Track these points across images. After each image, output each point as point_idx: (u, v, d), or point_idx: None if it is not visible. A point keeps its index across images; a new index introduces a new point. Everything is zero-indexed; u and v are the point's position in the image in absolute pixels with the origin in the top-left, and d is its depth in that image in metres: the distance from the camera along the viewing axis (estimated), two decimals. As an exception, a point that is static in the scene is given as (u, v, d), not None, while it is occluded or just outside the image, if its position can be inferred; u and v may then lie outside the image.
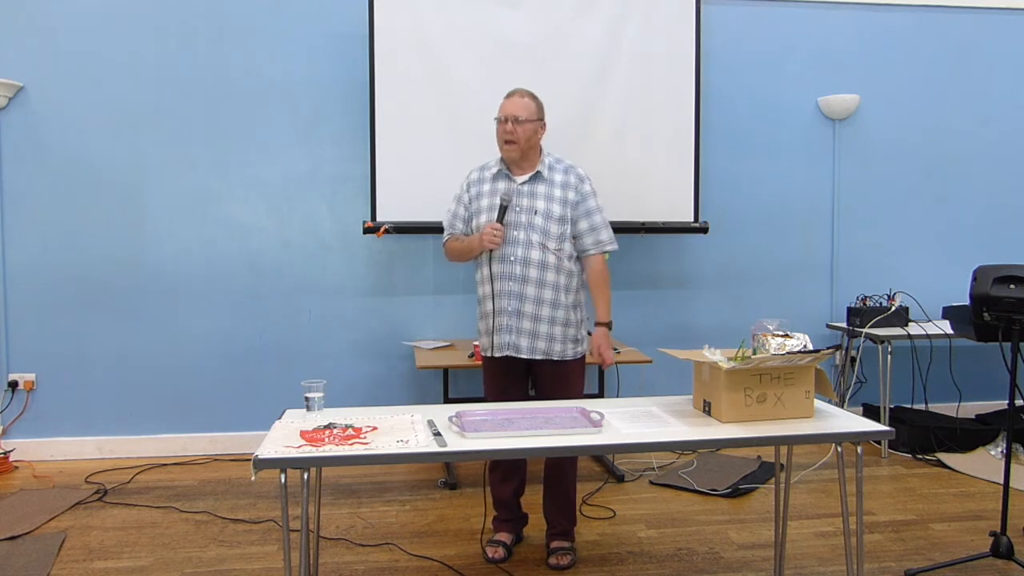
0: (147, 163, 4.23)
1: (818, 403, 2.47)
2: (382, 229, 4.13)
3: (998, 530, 2.80)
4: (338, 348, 4.41)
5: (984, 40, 4.81)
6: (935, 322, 4.40)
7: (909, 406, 4.53)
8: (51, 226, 4.18)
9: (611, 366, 3.10)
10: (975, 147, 4.85)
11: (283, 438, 2.17)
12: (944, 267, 4.80)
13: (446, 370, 4.02)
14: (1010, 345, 2.74)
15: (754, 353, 2.41)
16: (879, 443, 4.33)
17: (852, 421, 2.39)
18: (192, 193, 4.28)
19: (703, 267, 4.68)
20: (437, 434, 2.22)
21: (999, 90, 4.85)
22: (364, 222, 4.19)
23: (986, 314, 2.76)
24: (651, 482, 3.83)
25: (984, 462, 4.10)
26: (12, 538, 3.14)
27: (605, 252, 2.99)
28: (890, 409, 4.33)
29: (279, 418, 2.41)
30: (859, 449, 2.28)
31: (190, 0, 4.20)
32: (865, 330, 4.32)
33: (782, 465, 2.72)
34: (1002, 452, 4.17)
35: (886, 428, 2.36)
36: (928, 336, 4.25)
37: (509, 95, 2.90)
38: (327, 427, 2.26)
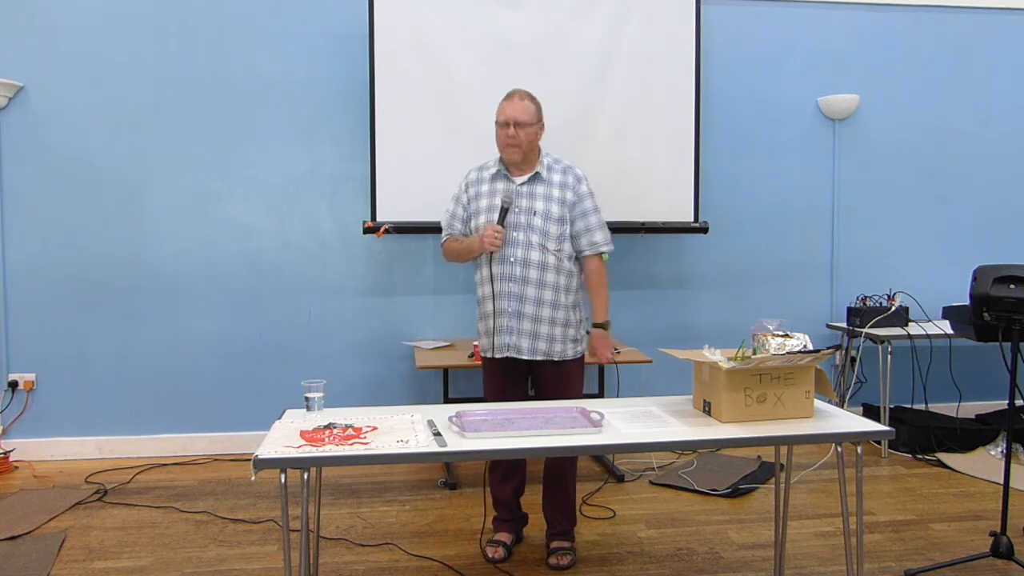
0: (147, 163, 4.23)
1: (818, 403, 2.47)
2: (382, 229, 4.14)
3: (998, 530, 2.80)
4: (338, 348, 4.41)
5: (984, 40, 4.81)
6: (935, 322, 4.40)
7: (909, 406, 4.53)
8: (51, 226, 4.18)
9: (610, 363, 3.10)
10: (975, 147, 4.85)
11: (283, 438, 2.17)
12: (944, 267, 4.80)
13: (446, 370, 4.02)
14: (1010, 345, 2.73)
15: (754, 353, 2.41)
16: (879, 443, 4.33)
17: (852, 421, 2.39)
18: (192, 193, 4.28)
19: (703, 267, 4.68)
20: (437, 434, 2.22)
21: (999, 90, 4.85)
22: (364, 222, 4.19)
23: (986, 314, 2.76)
24: (651, 482, 3.83)
25: (984, 462, 4.10)
26: (12, 538, 3.14)
27: (601, 253, 2.98)
28: (890, 409, 4.33)
29: (279, 418, 2.41)
30: (859, 449, 2.28)
31: (190, 0, 4.20)
32: (865, 330, 4.32)
33: (782, 465, 2.72)
34: (1002, 452, 4.17)
35: (886, 428, 2.36)
36: (928, 336, 4.25)
37: (508, 97, 2.89)
38: (327, 427, 2.26)
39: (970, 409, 4.67)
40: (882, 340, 4.24)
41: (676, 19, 4.32)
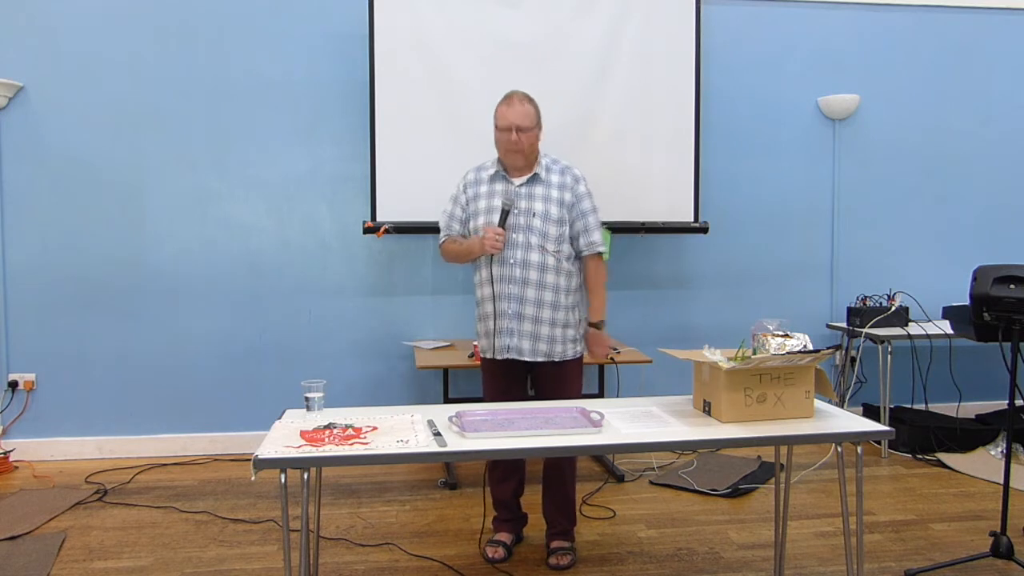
0: (147, 163, 4.23)
1: (818, 403, 2.47)
2: (382, 229, 4.14)
3: (998, 530, 2.80)
4: (338, 348, 4.41)
5: (984, 40, 4.81)
6: (935, 322, 4.40)
7: (909, 406, 4.54)
8: (51, 226, 4.18)
9: (606, 362, 3.10)
10: (975, 147, 4.85)
11: (283, 438, 2.17)
12: (944, 267, 4.80)
13: (446, 370, 4.02)
14: (1010, 345, 2.73)
15: (754, 353, 2.41)
16: (879, 443, 4.33)
17: (852, 421, 2.39)
18: (192, 193, 4.28)
19: (703, 267, 4.68)
20: (437, 434, 2.22)
21: (999, 90, 4.85)
22: (364, 222, 4.19)
23: (986, 314, 2.76)
24: (651, 482, 3.83)
25: (984, 462, 4.10)
26: (12, 538, 3.14)
27: (600, 253, 2.99)
28: (890, 409, 4.33)
29: (279, 418, 2.41)
30: (859, 449, 2.28)
31: (190, 0, 4.20)
32: (865, 330, 4.32)
33: (782, 465, 2.72)
34: (1002, 452, 4.17)
35: (886, 428, 2.36)
36: (928, 336, 4.25)
37: (507, 101, 2.85)
38: (327, 427, 2.26)
39: (970, 409, 4.67)
40: (882, 340, 4.24)
41: (676, 19, 4.32)
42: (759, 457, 4.12)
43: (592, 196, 2.96)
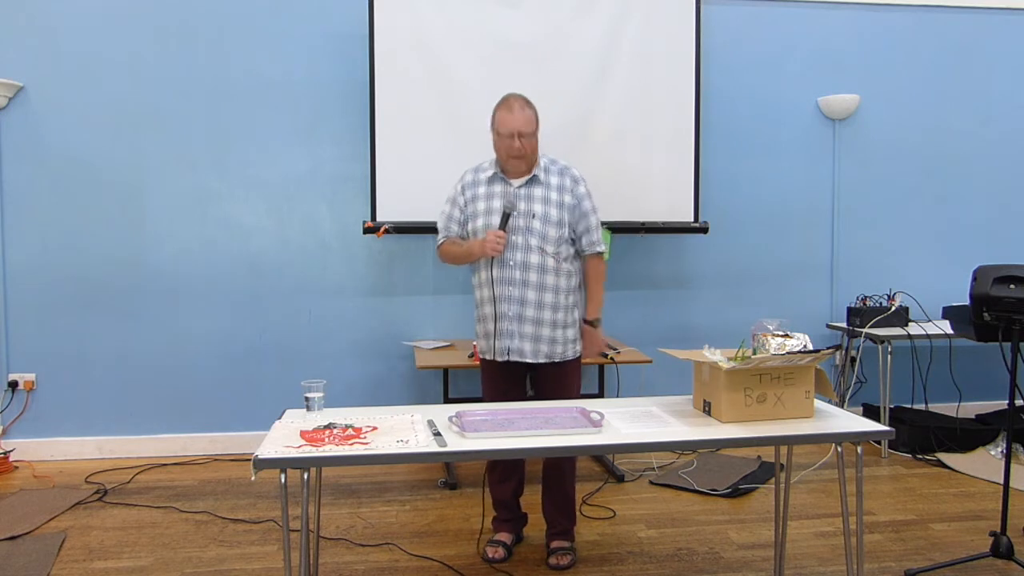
0: (147, 163, 4.23)
1: (818, 403, 2.47)
2: (382, 229, 4.14)
3: (998, 530, 2.80)
4: (338, 348, 4.41)
5: (984, 40, 4.81)
6: (935, 322, 4.40)
7: (909, 406, 4.54)
8: (51, 226, 4.18)
9: (599, 361, 3.10)
10: (975, 147, 4.85)
11: (283, 438, 2.17)
12: (944, 267, 4.80)
13: (446, 370, 4.03)
14: (1010, 345, 2.73)
15: (754, 353, 2.41)
16: (879, 443, 4.33)
17: (852, 421, 2.39)
18: (192, 193, 4.28)
19: (703, 267, 4.68)
20: (437, 434, 2.22)
21: (999, 90, 4.85)
22: (364, 222, 4.19)
23: (986, 314, 2.76)
24: (651, 482, 3.83)
25: (984, 462, 4.10)
26: (12, 538, 3.14)
27: (600, 252, 2.99)
28: (890, 409, 4.33)
29: (279, 418, 2.41)
30: (859, 449, 2.28)
31: (190, 0, 4.20)
32: (865, 330, 4.32)
33: (782, 465, 2.72)
34: (1002, 452, 4.17)
35: (886, 428, 2.36)
36: (928, 336, 4.25)
37: (507, 107, 2.81)
38: (327, 427, 2.26)
39: (970, 409, 4.67)
40: (882, 340, 4.24)
41: (676, 19, 4.32)
42: (759, 457, 4.12)
43: (592, 196, 2.96)
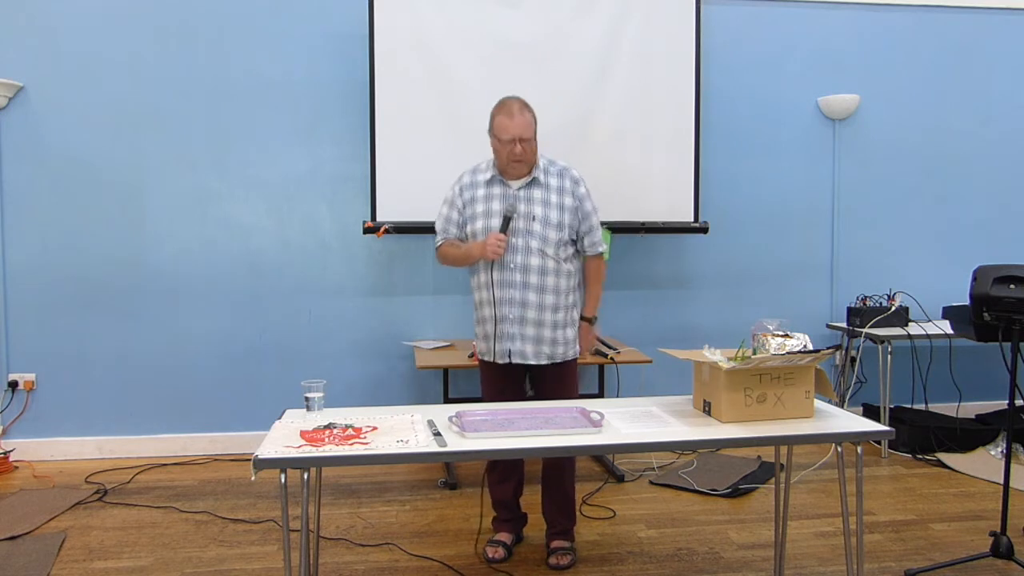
0: (147, 163, 4.23)
1: (818, 403, 2.47)
2: (382, 229, 4.14)
3: (998, 530, 2.80)
4: (338, 348, 4.41)
5: (984, 40, 4.81)
6: (935, 322, 4.40)
7: (909, 406, 4.54)
8: (51, 226, 4.18)
9: (589, 352, 3.10)
10: (975, 147, 4.85)
11: (283, 438, 2.17)
12: (944, 267, 4.80)
13: (446, 370, 4.03)
14: (1010, 345, 2.73)
15: (754, 353, 2.41)
16: (879, 443, 4.33)
17: (852, 421, 2.39)
18: (192, 193, 4.28)
19: (703, 267, 4.68)
20: (437, 434, 2.22)
21: (999, 90, 4.85)
22: (364, 222, 4.19)
23: (986, 314, 2.76)
24: (651, 482, 3.83)
25: (984, 462, 4.10)
26: (12, 538, 3.14)
27: (600, 252, 2.99)
28: (890, 409, 4.33)
29: (279, 418, 2.41)
30: (859, 449, 2.28)
31: (190, 0, 4.20)
32: (865, 330, 4.32)
33: (782, 465, 2.72)
34: (1002, 452, 4.17)
35: (886, 428, 2.36)
36: (928, 336, 4.25)
37: (507, 112, 2.78)
38: (327, 427, 2.26)
39: (970, 409, 4.67)
40: (882, 340, 4.24)
41: (676, 19, 4.32)
42: (759, 457, 4.12)
43: (591, 195, 2.95)
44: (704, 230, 4.46)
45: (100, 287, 4.23)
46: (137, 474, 4.01)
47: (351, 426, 2.27)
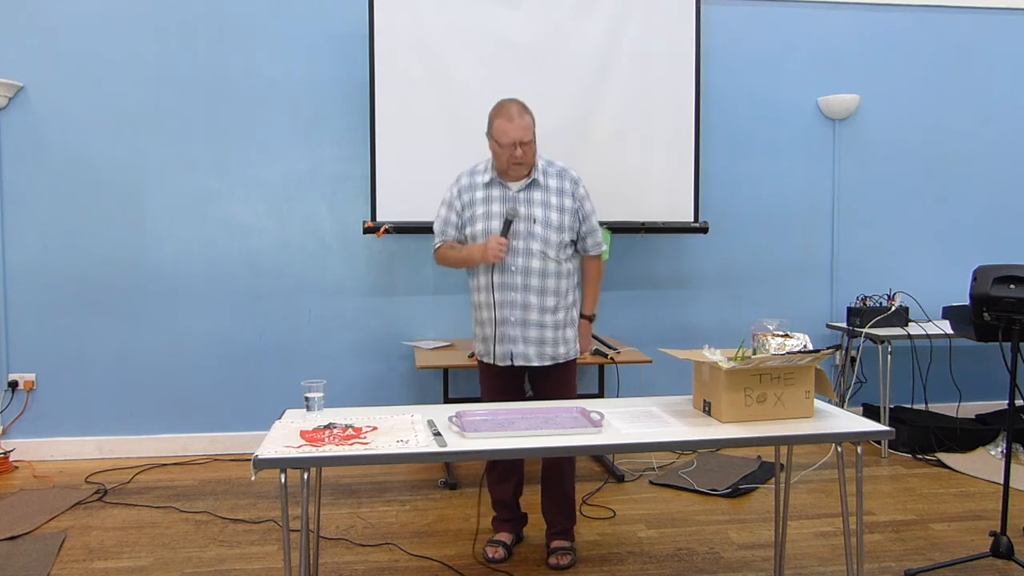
0: (147, 163, 4.23)
1: (818, 403, 2.47)
2: (382, 229, 4.14)
3: (998, 530, 2.80)
4: (338, 348, 4.41)
5: (984, 40, 4.81)
6: (935, 322, 4.40)
7: (909, 406, 4.54)
8: (51, 226, 4.18)
9: (586, 353, 3.10)
10: (975, 147, 4.85)
11: (283, 438, 2.17)
12: (944, 267, 4.80)
13: (446, 370, 4.03)
14: (1010, 345, 2.73)
15: (754, 353, 2.41)
16: (879, 443, 4.33)
17: (852, 421, 2.39)
18: (192, 193, 4.28)
19: (703, 267, 4.68)
20: (437, 434, 2.22)
21: (999, 90, 4.85)
22: (364, 222, 4.19)
23: (986, 314, 2.76)
24: (651, 482, 3.83)
25: (984, 462, 4.10)
26: (12, 538, 3.14)
27: (599, 253, 2.99)
28: (890, 409, 4.33)
29: (279, 418, 2.41)
30: (859, 449, 2.28)
31: (190, 0, 4.20)
32: (865, 330, 4.32)
33: (782, 465, 2.72)
34: (1002, 452, 4.17)
35: (886, 428, 2.36)
36: (928, 336, 4.25)
37: (507, 115, 2.76)
38: (327, 427, 2.26)
39: (970, 409, 4.67)
40: (882, 340, 4.24)
41: (676, 19, 4.32)
42: (759, 457, 4.12)
43: (590, 195, 2.95)
44: (704, 230, 4.46)
45: (100, 287, 4.23)
46: (137, 474, 4.01)
47: (351, 426, 2.27)
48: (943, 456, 4.16)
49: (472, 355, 3.78)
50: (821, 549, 3.07)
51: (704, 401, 2.45)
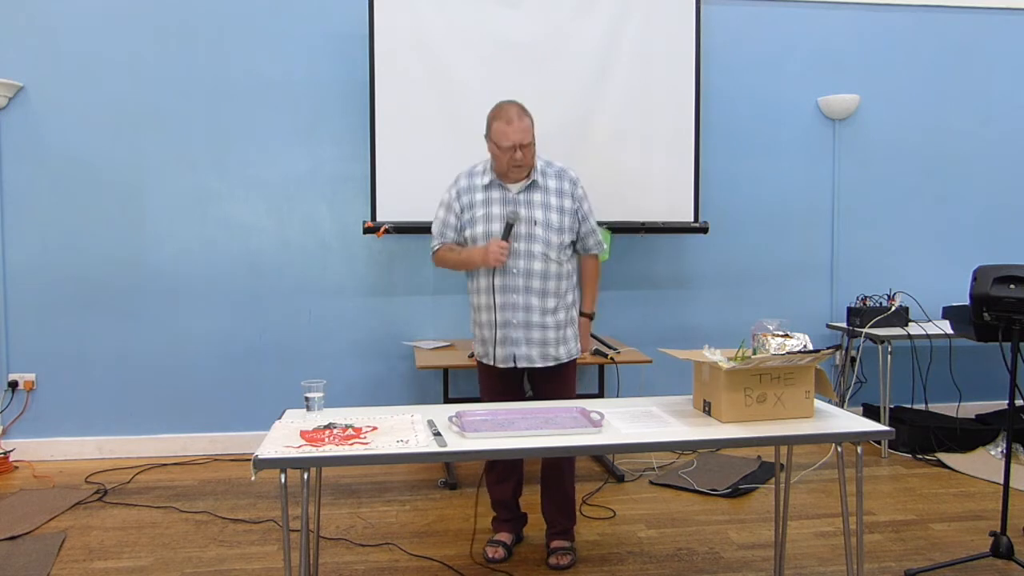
0: (147, 163, 4.23)
1: (818, 403, 2.47)
2: (382, 229, 4.13)
3: (998, 530, 2.80)
4: (338, 348, 4.41)
5: (984, 40, 4.81)
6: (935, 322, 4.40)
7: (909, 406, 4.53)
8: (51, 226, 4.18)
9: (586, 352, 3.10)
10: (975, 147, 4.85)
11: (283, 438, 2.17)
12: (944, 267, 4.80)
13: (446, 370, 4.02)
14: (1010, 345, 2.73)
15: (754, 353, 2.41)
16: (879, 443, 4.33)
17: (852, 421, 2.39)
18: (192, 193, 4.28)
19: (703, 267, 4.68)
20: (437, 434, 2.22)
21: (999, 90, 4.85)
22: (364, 222, 4.19)
23: (986, 314, 2.76)
24: (651, 482, 3.83)
25: (984, 462, 4.10)
26: (12, 538, 3.14)
27: (598, 252, 3.00)
28: (890, 409, 4.33)
29: (279, 418, 2.41)
30: (859, 449, 2.28)
31: (190, 0, 4.20)
32: (865, 330, 4.32)
33: (782, 465, 2.72)
34: (1002, 452, 4.17)
35: (886, 428, 2.36)
36: (928, 336, 4.25)
37: (506, 118, 2.75)
38: (327, 427, 2.26)
39: (970, 409, 4.67)
40: (882, 340, 4.24)
41: (676, 19, 4.32)
42: (759, 457, 4.12)
43: (587, 195, 2.95)
44: (704, 230, 4.46)
45: (100, 287, 4.23)
46: (137, 474, 4.01)
47: (351, 426, 2.27)
48: (943, 456, 4.16)
49: (472, 355, 3.79)
50: (821, 549, 3.07)
51: (704, 401, 2.45)
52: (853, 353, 4.50)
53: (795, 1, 4.65)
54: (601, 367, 4.26)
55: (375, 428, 2.28)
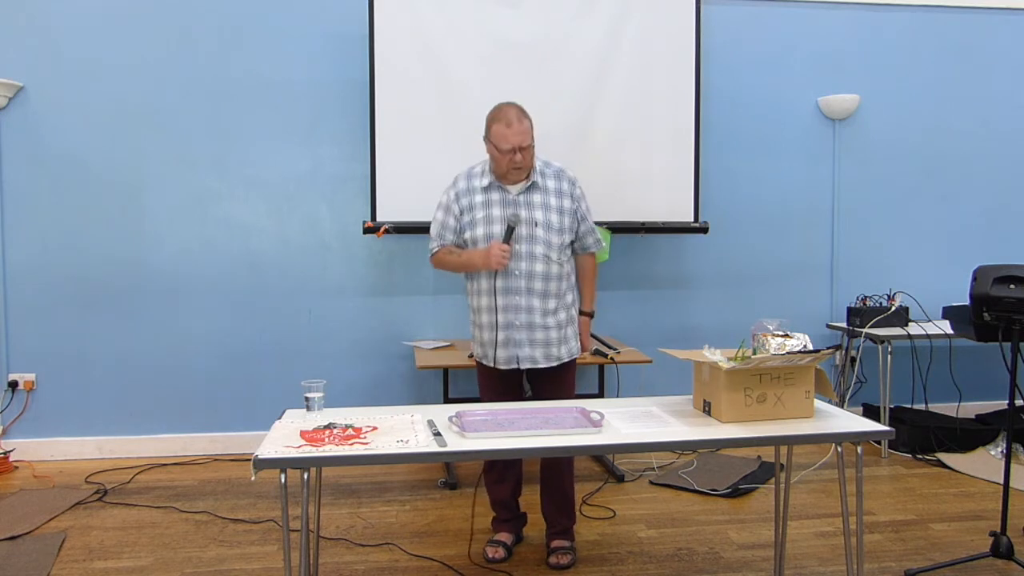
0: (147, 163, 4.23)
1: (818, 403, 2.47)
2: (382, 229, 4.14)
3: (998, 530, 2.80)
4: (338, 348, 4.41)
5: (984, 40, 4.81)
6: (935, 322, 4.40)
7: (909, 406, 4.54)
8: (51, 226, 4.18)
9: (587, 352, 3.10)
10: (975, 147, 4.85)
11: (283, 438, 2.17)
12: (944, 267, 4.80)
13: (446, 370, 4.02)
14: (1010, 345, 2.73)
15: (754, 353, 2.41)
16: (879, 443, 4.33)
17: (852, 421, 2.39)
18: (192, 193, 4.28)
19: (703, 267, 4.68)
20: (437, 434, 2.22)
21: (999, 90, 4.85)
22: (364, 222, 4.19)
23: (986, 314, 2.76)
24: (651, 482, 3.83)
25: (984, 462, 4.10)
26: (12, 538, 3.14)
27: (598, 250, 3.00)
28: (890, 409, 4.33)
29: (279, 418, 2.41)
30: (859, 449, 2.28)
31: (190, 1, 4.20)
32: (865, 330, 4.32)
33: (782, 465, 2.72)
34: (1002, 452, 4.17)
35: (886, 428, 2.36)
36: (928, 336, 4.25)
37: (506, 121, 2.73)
38: (327, 427, 2.26)
39: (970, 409, 4.67)
40: (882, 340, 4.24)
41: (676, 19, 4.32)
42: (759, 457, 4.12)
43: (585, 194, 2.95)
44: (704, 230, 4.46)
45: (100, 287, 4.23)
46: (137, 474, 4.01)
47: (351, 426, 2.27)
48: (943, 456, 4.16)
49: (472, 355, 3.78)
50: (821, 549, 3.07)
51: (704, 401, 2.45)
52: (853, 353, 4.50)
53: (795, 1, 4.65)
54: (601, 367, 4.26)
55: (375, 428, 2.28)
